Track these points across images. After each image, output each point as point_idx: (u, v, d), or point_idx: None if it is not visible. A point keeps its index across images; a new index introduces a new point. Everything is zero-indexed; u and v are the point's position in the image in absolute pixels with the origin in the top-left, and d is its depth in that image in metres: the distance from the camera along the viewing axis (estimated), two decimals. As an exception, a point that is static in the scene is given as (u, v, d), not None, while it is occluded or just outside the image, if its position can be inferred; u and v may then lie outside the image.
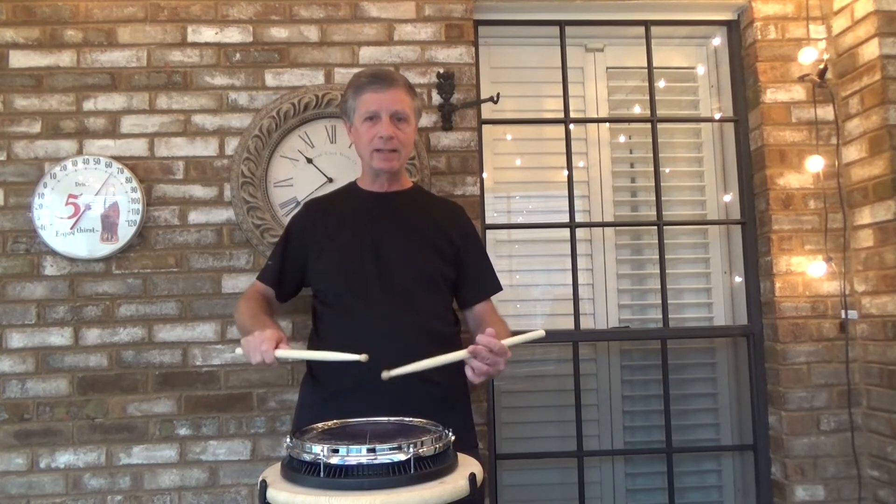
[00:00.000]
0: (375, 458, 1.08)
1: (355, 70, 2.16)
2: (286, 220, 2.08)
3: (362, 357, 1.36)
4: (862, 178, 2.25)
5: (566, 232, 2.40)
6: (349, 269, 1.67)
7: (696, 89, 2.59)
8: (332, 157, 2.19)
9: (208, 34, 2.22)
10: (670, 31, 2.55)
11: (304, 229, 1.77)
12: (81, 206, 2.11)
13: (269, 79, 2.22)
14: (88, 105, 2.18)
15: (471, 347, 1.45)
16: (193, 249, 2.16)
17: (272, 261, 1.80)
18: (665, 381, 2.38)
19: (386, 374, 1.40)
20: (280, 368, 2.13)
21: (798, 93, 2.35)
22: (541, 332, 1.47)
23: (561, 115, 2.43)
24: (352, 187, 1.82)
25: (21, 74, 2.16)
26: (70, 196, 2.11)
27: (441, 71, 2.25)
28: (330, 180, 2.16)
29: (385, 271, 1.66)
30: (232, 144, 2.19)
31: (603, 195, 2.53)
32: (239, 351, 1.50)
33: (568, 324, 2.38)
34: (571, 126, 2.44)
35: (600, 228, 2.51)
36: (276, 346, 1.44)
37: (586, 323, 2.45)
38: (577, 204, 2.47)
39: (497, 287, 1.82)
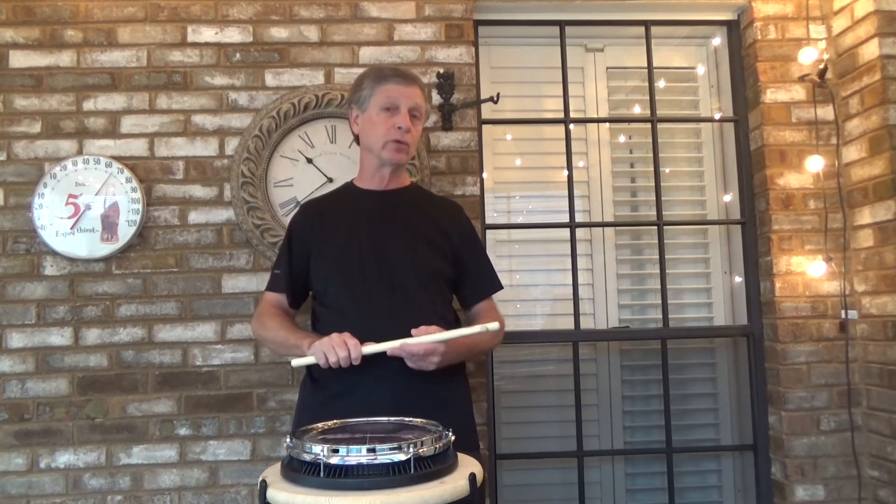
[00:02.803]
0: (375, 458, 1.08)
1: (355, 70, 2.17)
2: (286, 221, 2.08)
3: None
4: (862, 178, 2.25)
5: (566, 232, 2.39)
6: (348, 270, 1.67)
7: (696, 89, 2.58)
8: (332, 157, 2.19)
9: (208, 34, 2.22)
10: (670, 31, 2.54)
11: (303, 231, 1.76)
12: (81, 206, 2.11)
13: (269, 79, 2.22)
14: (88, 105, 2.18)
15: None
16: (193, 249, 2.16)
17: (280, 269, 1.77)
18: (665, 381, 2.38)
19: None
20: (280, 368, 2.13)
21: (798, 93, 2.35)
22: (494, 325, 1.51)
23: (561, 115, 2.42)
24: (349, 187, 1.82)
25: (21, 74, 2.16)
26: (70, 196, 2.11)
27: (441, 71, 2.25)
28: (330, 180, 2.16)
29: (384, 271, 1.65)
30: (232, 144, 2.19)
31: (603, 195, 2.53)
32: (302, 360, 1.51)
33: (568, 324, 2.38)
34: (571, 126, 2.44)
35: (600, 228, 2.51)
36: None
37: (586, 323, 2.45)
38: (577, 204, 2.47)
39: (497, 286, 1.82)
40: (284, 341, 1.65)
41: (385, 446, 1.10)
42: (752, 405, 2.37)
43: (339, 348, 1.46)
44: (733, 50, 2.49)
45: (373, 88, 1.69)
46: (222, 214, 2.18)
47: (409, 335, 1.53)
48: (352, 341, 1.47)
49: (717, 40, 2.55)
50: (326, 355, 1.46)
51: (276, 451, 2.10)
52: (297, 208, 1.92)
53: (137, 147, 2.18)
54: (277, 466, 1.19)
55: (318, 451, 1.10)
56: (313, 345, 1.51)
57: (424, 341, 1.48)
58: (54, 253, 2.11)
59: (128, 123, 2.18)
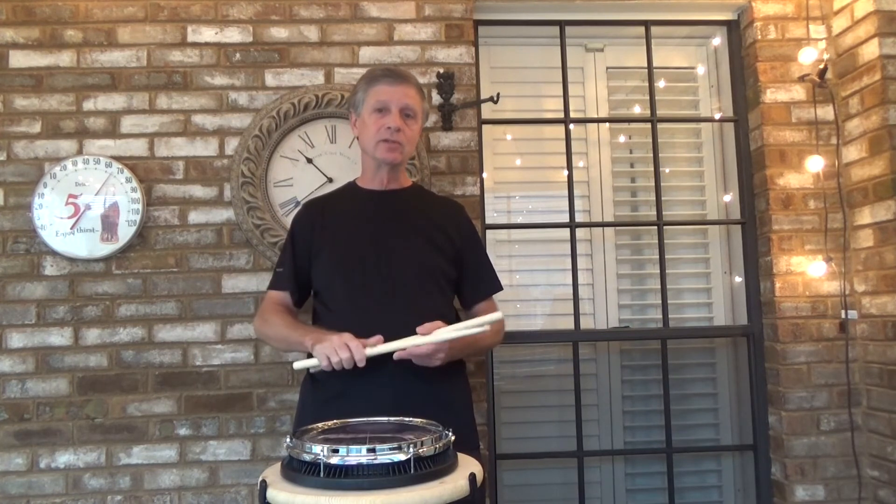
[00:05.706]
0: (375, 458, 1.08)
1: (355, 70, 2.18)
2: (286, 220, 2.09)
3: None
4: (862, 178, 2.25)
5: (566, 232, 2.39)
6: (349, 270, 1.67)
7: (696, 89, 2.58)
8: (332, 157, 2.19)
9: (208, 34, 2.22)
10: (670, 31, 2.54)
11: (305, 230, 1.76)
12: (81, 206, 2.11)
13: (269, 79, 2.22)
14: (88, 105, 2.18)
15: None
16: (193, 249, 2.16)
17: (283, 267, 1.77)
18: (665, 381, 2.38)
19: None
20: (280, 368, 2.13)
21: (798, 93, 2.35)
22: (497, 314, 1.55)
23: (561, 115, 2.42)
24: (351, 186, 1.82)
25: (21, 74, 2.16)
26: (70, 196, 2.11)
27: (441, 71, 2.25)
28: (330, 180, 2.16)
29: (385, 270, 1.65)
30: (232, 144, 2.19)
31: (603, 195, 2.53)
32: (304, 363, 1.52)
33: (568, 324, 2.38)
34: (571, 126, 2.44)
35: (600, 228, 2.51)
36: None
37: (586, 323, 2.45)
38: (577, 204, 2.47)
39: (497, 286, 1.82)
40: (287, 338, 1.65)
41: (385, 446, 1.10)
42: (752, 405, 2.37)
43: (340, 350, 1.45)
44: (733, 50, 2.49)
45: (366, 91, 1.70)
46: (222, 214, 2.18)
47: (411, 334, 1.53)
48: (353, 342, 1.46)
49: (717, 40, 2.55)
50: (329, 357, 1.46)
51: (276, 451, 2.10)
52: (300, 206, 1.92)
53: (137, 147, 2.18)
54: (277, 466, 1.19)
55: (318, 451, 1.10)
56: (315, 347, 1.50)
57: (430, 341, 1.49)
58: (54, 253, 2.11)
59: (128, 123, 2.18)
